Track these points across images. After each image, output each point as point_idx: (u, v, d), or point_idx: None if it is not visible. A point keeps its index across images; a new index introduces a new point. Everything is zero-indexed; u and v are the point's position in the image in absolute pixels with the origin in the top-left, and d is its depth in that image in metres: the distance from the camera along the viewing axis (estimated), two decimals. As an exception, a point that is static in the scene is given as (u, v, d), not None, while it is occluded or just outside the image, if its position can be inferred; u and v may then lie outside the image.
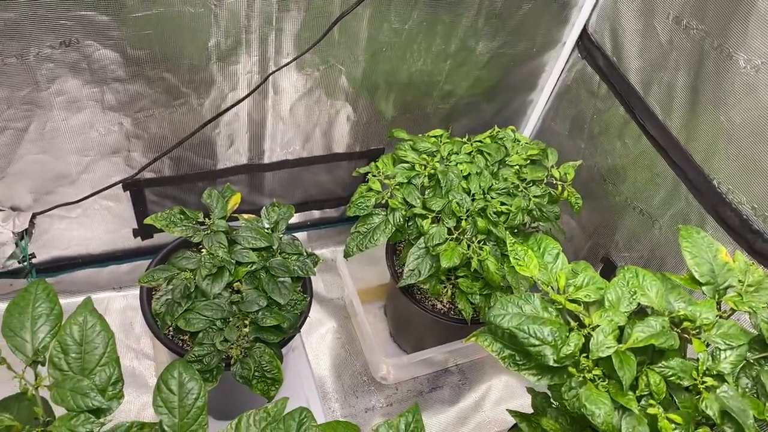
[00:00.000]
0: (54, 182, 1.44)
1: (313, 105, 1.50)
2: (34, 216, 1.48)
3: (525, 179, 1.48)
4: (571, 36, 1.58)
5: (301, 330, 1.71)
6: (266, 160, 1.59)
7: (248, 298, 1.21)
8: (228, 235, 1.25)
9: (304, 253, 1.31)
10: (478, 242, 1.37)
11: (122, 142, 1.42)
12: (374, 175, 1.44)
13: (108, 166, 1.46)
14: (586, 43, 1.57)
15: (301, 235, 1.85)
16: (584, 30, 1.57)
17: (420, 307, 1.53)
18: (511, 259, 1.01)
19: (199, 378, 0.82)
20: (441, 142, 1.51)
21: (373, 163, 1.46)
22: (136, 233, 1.65)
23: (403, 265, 1.38)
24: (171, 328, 1.27)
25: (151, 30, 1.21)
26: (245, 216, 1.32)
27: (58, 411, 0.83)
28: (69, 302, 1.66)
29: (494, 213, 1.39)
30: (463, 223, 1.37)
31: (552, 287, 0.96)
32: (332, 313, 1.80)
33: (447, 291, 1.44)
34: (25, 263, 1.51)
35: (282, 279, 1.25)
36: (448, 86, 1.58)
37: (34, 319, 0.83)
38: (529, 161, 1.52)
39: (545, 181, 1.50)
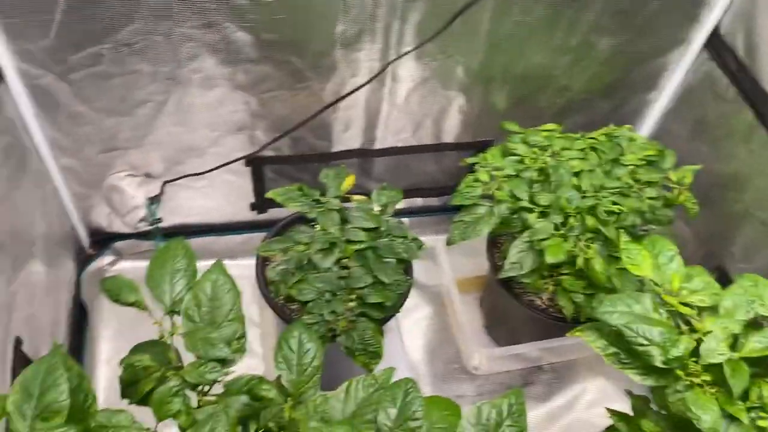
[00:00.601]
0: (184, 154, 1.55)
1: (427, 94, 1.53)
2: (164, 184, 1.61)
3: (639, 180, 1.45)
4: (699, 36, 1.53)
5: (397, 314, 1.78)
6: (377, 146, 1.64)
7: (355, 275, 1.26)
8: (340, 214, 1.30)
9: (409, 237, 1.35)
10: (586, 240, 1.35)
11: (247, 120, 1.50)
12: (483, 166, 1.45)
13: (233, 142, 1.55)
14: (715, 43, 1.51)
15: (403, 221, 1.89)
16: (715, 30, 1.51)
17: (518, 301, 1.53)
18: (623, 257, 1.00)
19: (316, 340, 0.87)
20: (553, 136, 1.50)
21: (482, 154, 1.47)
22: (253, 207, 1.75)
23: (504, 258, 1.39)
24: (281, 298, 1.34)
25: (284, 15, 1.28)
26: (357, 197, 1.37)
27: (187, 358, 0.91)
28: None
29: (605, 212, 1.37)
30: (571, 220, 1.36)
31: (665, 289, 0.95)
32: (429, 300, 1.83)
33: (548, 287, 1.44)
34: (154, 226, 1.64)
35: (387, 259, 1.29)
36: (565, 81, 1.57)
37: (173, 273, 0.92)
38: (644, 162, 1.48)
39: (660, 184, 1.46)
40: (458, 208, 1.43)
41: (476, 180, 1.45)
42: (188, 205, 1.70)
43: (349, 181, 1.37)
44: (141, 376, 0.85)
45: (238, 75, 1.40)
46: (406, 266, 1.42)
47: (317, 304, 1.23)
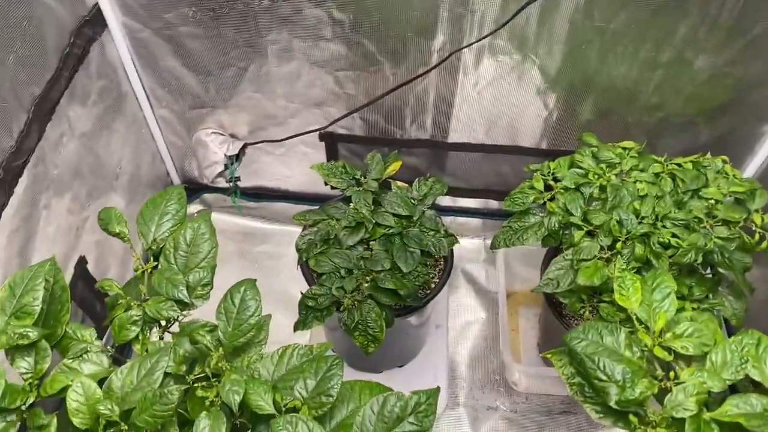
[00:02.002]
0: (265, 120, 1.65)
1: (502, 93, 1.48)
2: (245, 146, 1.71)
3: (715, 216, 1.30)
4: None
5: (449, 312, 1.75)
6: (449, 140, 1.62)
7: (376, 258, 1.27)
8: (375, 196, 1.31)
9: (442, 232, 1.32)
10: (631, 270, 1.24)
11: (323, 96, 1.56)
12: (542, 174, 1.38)
13: (309, 116, 1.62)
14: None
15: (475, 222, 1.86)
16: None
17: (562, 322, 1.44)
18: (615, 286, 0.91)
19: (258, 300, 0.90)
20: (627, 155, 1.38)
21: (546, 162, 1.40)
22: (326, 183, 1.80)
23: (554, 273, 1.32)
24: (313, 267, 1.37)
25: (354, -5, 1.30)
26: (398, 183, 1.37)
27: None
28: (266, 227, 1.90)
29: (659, 243, 1.24)
30: (619, 245, 1.25)
31: (648, 327, 0.85)
32: (485, 305, 1.78)
33: (585, 312, 1.34)
34: (232, 184, 1.75)
35: (412, 249, 1.28)
36: (656, 99, 1.43)
37: (162, 215, 0.99)
38: (729, 198, 1.32)
39: (741, 225, 1.29)
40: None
41: (531, 187, 1.38)
42: (267, 170, 1.80)
43: (394, 167, 1.37)
44: (115, 303, 0.94)
45: (314, 51, 1.45)
46: (445, 263, 1.40)
47: (330, 278, 1.25)
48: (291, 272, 1.77)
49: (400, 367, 1.65)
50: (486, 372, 1.68)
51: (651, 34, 1.30)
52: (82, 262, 1.41)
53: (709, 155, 1.38)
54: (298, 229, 1.37)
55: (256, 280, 0.92)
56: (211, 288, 0.95)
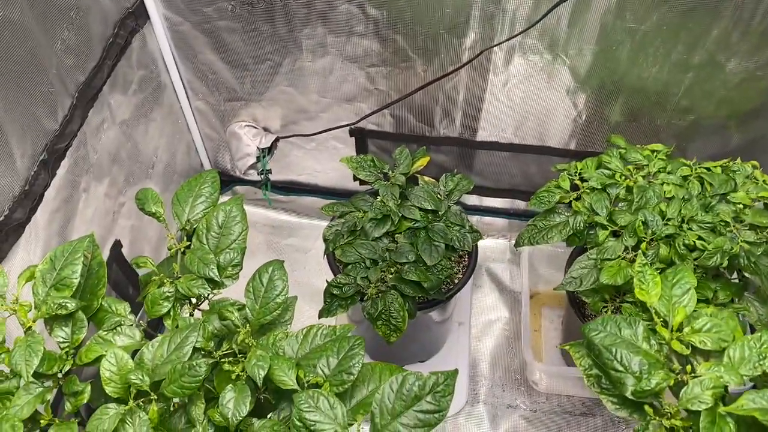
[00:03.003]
0: (297, 114, 1.68)
1: (531, 92, 1.50)
2: (277, 139, 1.75)
3: (742, 221, 1.29)
4: None
5: (472, 309, 1.77)
6: (477, 138, 1.64)
7: (401, 250, 1.29)
8: (402, 190, 1.34)
9: (467, 227, 1.34)
10: (655, 270, 1.25)
11: (354, 91, 1.59)
12: (569, 174, 1.39)
13: (340, 111, 1.65)
14: None
15: (501, 221, 1.87)
16: None
17: (584, 323, 1.45)
18: (635, 280, 0.92)
19: (285, 280, 0.93)
20: (655, 157, 1.39)
21: (573, 162, 1.41)
22: (355, 177, 1.83)
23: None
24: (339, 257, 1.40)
25: (387, -8, 1.34)
26: (426, 178, 1.39)
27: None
28: (295, 221, 1.95)
29: (684, 245, 1.25)
30: (643, 245, 1.26)
31: (666, 321, 0.86)
32: (509, 304, 1.79)
33: (608, 312, 1.35)
34: (263, 176, 1.80)
35: (437, 243, 1.30)
36: (686, 101, 1.44)
37: (196, 197, 1.03)
38: (757, 203, 1.32)
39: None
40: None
41: (557, 186, 1.40)
42: (299, 164, 1.84)
43: (421, 162, 1.39)
44: (149, 280, 0.98)
45: (347, 46, 1.48)
46: (469, 258, 1.42)
47: (355, 268, 1.28)
48: (317, 265, 1.82)
49: (422, 362, 1.68)
50: (507, 371, 1.69)
51: (682, 36, 1.30)
52: (117, 245, 1.46)
53: (739, 160, 1.38)
54: (326, 224, 1.41)
55: (283, 261, 0.95)
56: (241, 268, 0.99)
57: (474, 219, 1.86)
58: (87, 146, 1.30)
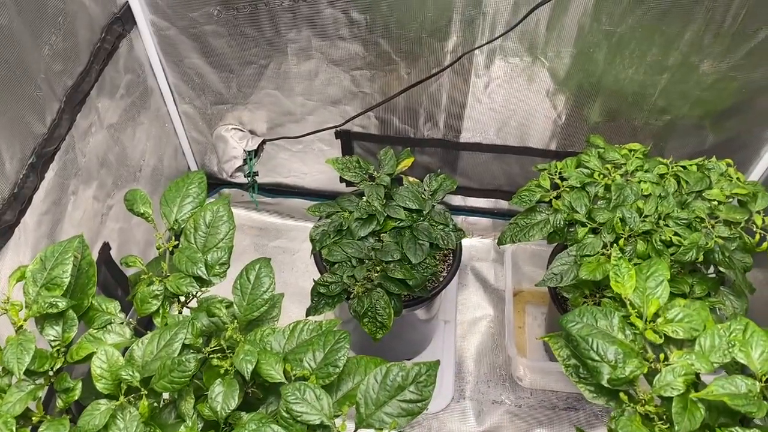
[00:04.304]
0: (283, 117, 1.71)
1: (512, 94, 1.53)
2: (263, 142, 1.78)
3: (717, 217, 1.33)
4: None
5: (458, 308, 1.79)
6: (461, 140, 1.67)
7: (386, 249, 1.32)
8: (387, 190, 1.36)
9: (451, 226, 1.37)
10: (634, 265, 1.28)
11: (339, 94, 1.61)
12: (549, 174, 1.42)
13: (326, 114, 1.68)
14: None
15: (485, 221, 1.90)
16: None
17: (567, 318, 1.48)
18: (611, 273, 0.95)
19: (272, 277, 0.95)
20: (632, 156, 1.42)
21: (553, 162, 1.45)
22: (342, 178, 1.86)
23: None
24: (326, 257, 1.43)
25: (370, -4, 1.36)
26: (410, 179, 1.42)
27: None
28: (282, 223, 1.97)
29: (661, 241, 1.28)
30: (621, 242, 1.29)
31: (641, 312, 0.89)
32: (493, 303, 1.82)
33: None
34: (250, 178, 1.82)
35: (422, 241, 1.33)
36: (662, 102, 1.47)
37: (184, 197, 1.05)
38: (731, 200, 1.36)
39: (742, 226, 1.32)
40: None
41: (538, 185, 1.43)
42: (285, 166, 1.86)
43: (405, 163, 1.42)
44: (138, 279, 1.00)
45: (331, 50, 1.51)
46: (453, 256, 1.45)
47: (341, 267, 1.31)
48: (304, 267, 1.84)
49: (408, 360, 1.70)
50: (492, 367, 1.72)
51: (657, 39, 1.34)
52: (105, 248, 1.48)
53: (714, 158, 1.42)
54: (312, 226, 1.43)
55: (270, 259, 0.98)
56: (228, 267, 1.01)
57: (458, 219, 1.89)
58: (75, 150, 1.31)
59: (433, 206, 1.39)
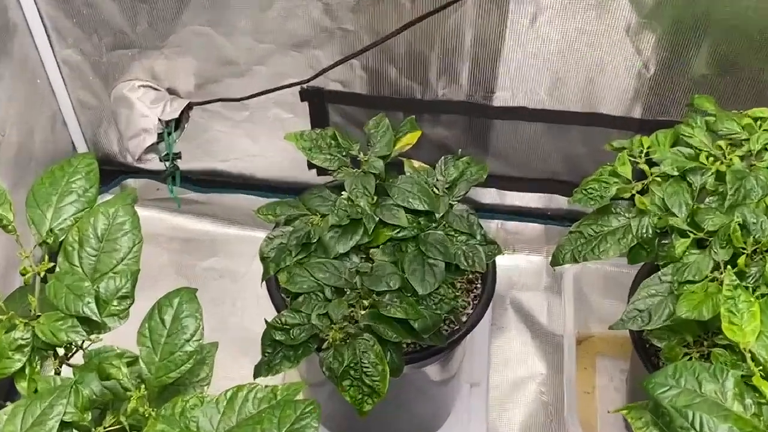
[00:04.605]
0: (220, 68, 1.72)
1: (573, 32, 1.55)
2: (190, 106, 1.78)
3: None
4: None
5: (491, 363, 1.80)
6: (494, 102, 1.67)
7: (378, 272, 1.32)
8: (380, 182, 1.37)
9: (479, 237, 1.38)
10: (758, 296, 1.28)
11: (306, 32, 1.63)
12: (630, 155, 1.43)
13: (286, 63, 1.69)
14: None
15: (533, 229, 1.92)
16: None
17: (659, 378, 1.48)
18: (722, 309, 0.96)
19: (199, 319, 0.95)
20: (759, 128, 1.43)
21: (636, 137, 1.45)
22: (310, 163, 1.86)
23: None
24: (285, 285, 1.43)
25: None
26: (416, 163, 1.43)
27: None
28: (218, 231, 1.97)
29: (806, 260, 1.29)
30: (741, 260, 1.30)
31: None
32: (546, 355, 1.83)
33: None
34: (168, 163, 1.82)
35: (433, 261, 1.33)
36: (807, 46, 1.49)
37: (63, 194, 1.05)
38: None
39: None
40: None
41: (613, 173, 1.44)
42: (224, 143, 1.87)
43: (409, 139, 1.43)
44: (-7, 319, 1.00)
45: (294, -38, 1.52)
46: (482, 283, 1.46)
47: (309, 300, 1.31)
48: (252, 301, 1.83)
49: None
50: (545, 456, 1.74)
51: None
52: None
53: None
54: (264, 236, 1.43)
55: (196, 290, 0.98)
56: (132, 302, 1.01)
57: (491, 225, 1.91)
58: None
59: (452, 206, 1.40)
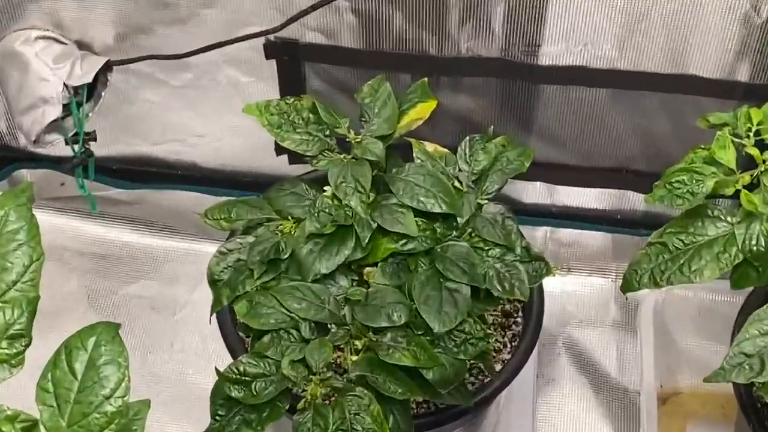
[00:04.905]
0: (152, 11, 1.72)
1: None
2: (109, 66, 1.78)
3: None
4: None
5: (536, 428, 1.81)
6: (541, 60, 1.68)
7: (375, 301, 1.32)
8: (379, 172, 1.37)
9: (519, 251, 1.38)
10: None
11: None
12: (733, 133, 1.44)
13: (245, 4, 1.69)
14: None
15: (596, 239, 1.92)
16: None
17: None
18: None
19: (123, 364, 0.95)
20: None
21: (742, 109, 1.46)
22: (279, 149, 1.87)
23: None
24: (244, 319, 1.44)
25: None
26: (428, 146, 1.43)
27: None
28: (149, 244, 1.98)
29: None
30: None
31: None
32: (616, 418, 1.84)
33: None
34: (79, 147, 1.82)
35: (454, 285, 1.33)
36: None
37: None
38: None
39: None
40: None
41: (709, 160, 1.44)
42: (157, 120, 1.88)
43: (420, 111, 1.43)
44: None
45: None
46: (511, 312, 1.46)
47: (277, 342, 1.31)
48: (199, 339, 1.84)
49: None
50: None
51: None
52: None
53: None
54: (213, 248, 1.43)
55: (118, 325, 0.98)
56: (29, 342, 1.01)
57: (537, 234, 1.92)
58: None
59: (481, 207, 1.40)
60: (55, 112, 1.77)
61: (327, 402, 1.28)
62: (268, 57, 1.74)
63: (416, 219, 1.36)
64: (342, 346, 1.32)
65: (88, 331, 0.99)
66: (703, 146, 1.45)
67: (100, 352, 0.97)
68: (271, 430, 1.30)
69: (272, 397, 1.28)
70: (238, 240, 1.40)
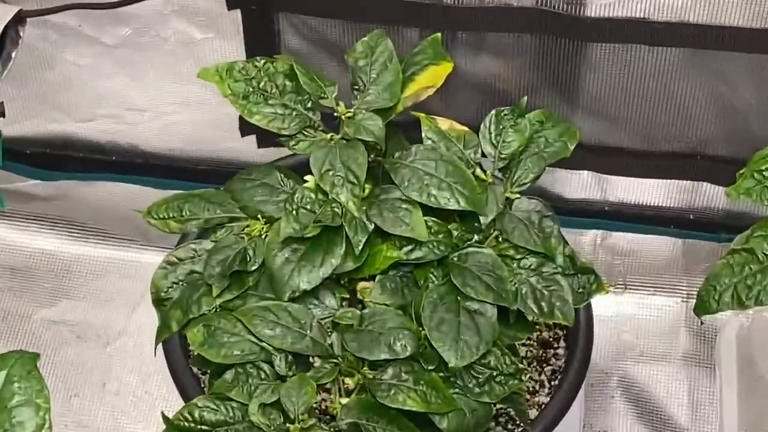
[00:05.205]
0: (78, -56, 1.73)
1: None
2: (22, 17, 1.79)
3: None
4: None
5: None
6: (589, 11, 1.68)
7: (373, 326, 1.32)
8: (377, 157, 1.38)
9: (561, 260, 1.38)
10: None
11: None
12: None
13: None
14: None
15: (660, 244, 1.92)
16: None
17: None
18: None
19: (45, 406, 0.95)
20: None
21: None
22: (246, 126, 1.87)
23: None
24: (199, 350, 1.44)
25: None
26: (442, 123, 1.43)
27: None
28: (72, 252, 1.98)
29: None
30: None
31: None
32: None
33: None
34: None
35: (476, 305, 1.33)
36: None
37: None
38: None
39: None
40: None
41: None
42: (85, 90, 1.88)
43: (431, 77, 1.43)
44: None
45: None
46: (551, 340, 1.46)
47: (244, 380, 1.31)
48: (139, 376, 1.84)
49: None
50: None
51: None
52: None
53: None
54: (159, 257, 1.42)
55: (36, 355, 0.98)
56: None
57: (585, 238, 1.92)
58: None
59: (511, 203, 1.40)
60: (-51, 81, 1.78)
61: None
62: (230, 6, 1.74)
63: (425, 218, 1.36)
64: (328, 385, 1.31)
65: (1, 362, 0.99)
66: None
67: (12, 390, 0.97)
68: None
69: (232, 459, 1.28)
70: (191, 246, 1.39)
